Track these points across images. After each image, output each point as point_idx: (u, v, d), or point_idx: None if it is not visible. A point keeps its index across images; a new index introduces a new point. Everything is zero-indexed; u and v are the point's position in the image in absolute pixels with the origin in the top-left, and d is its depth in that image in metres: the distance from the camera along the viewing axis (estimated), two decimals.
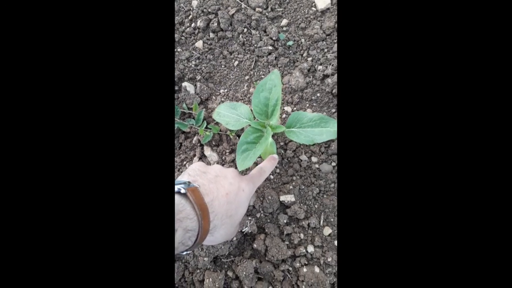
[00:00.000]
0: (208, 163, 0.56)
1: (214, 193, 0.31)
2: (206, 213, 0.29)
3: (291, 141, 0.54)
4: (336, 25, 0.58)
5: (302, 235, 0.50)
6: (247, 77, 0.61)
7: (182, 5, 0.66)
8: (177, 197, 0.27)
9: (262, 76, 0.60)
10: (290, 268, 0.48)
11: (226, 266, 0.50)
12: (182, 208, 0.27)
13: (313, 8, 0.61)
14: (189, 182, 0.30)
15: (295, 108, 0.57)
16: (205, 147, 0.57)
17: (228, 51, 0.62)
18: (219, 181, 0.33)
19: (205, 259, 0.48)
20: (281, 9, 0.62)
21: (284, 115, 0.57)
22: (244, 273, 0.47)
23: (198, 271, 0.49)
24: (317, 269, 0.47)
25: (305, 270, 0.47)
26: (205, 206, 0.29)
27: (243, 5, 0.63)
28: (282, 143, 0.56)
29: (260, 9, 0.62)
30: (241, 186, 0.34)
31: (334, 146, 0.53)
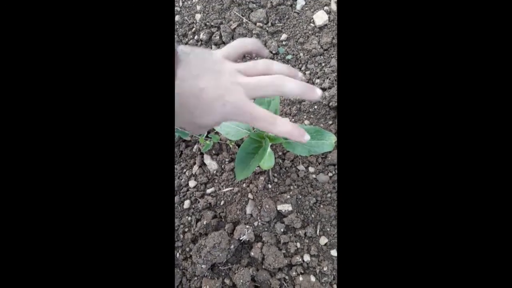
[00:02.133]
0: (208, 171, 0.58)
1: (187, 77, 0.24)
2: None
3: (289, 151, 0.56)
4: (333, 41, 0.61)
5: (298, 244, 0.51)
6: None
7: (186, 18, 0.69)
8: None
9: None
10: (287, 277, 0.49)
11: (223, 274, 0.51)
12: None
13: (312, 24, 0.63)
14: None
15: (293, 120, 0.59)
16: (205, 156, 0.58)
17: None
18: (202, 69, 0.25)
19: (203, 266, 0.49)
20: (281, 25, 0.65)
21: None
22: (241, 281, 0.47)
23: (196, 278, 0.50)
24: (313, 278, 0.48)
25: (301, 279, 0.48)
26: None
27: (245, 20, 0.65)
28: (280, 153, 0.57)
29: (260, 24, 0.65)
30: (226, 97, 0.25)
31: (331, 157, 0.55)
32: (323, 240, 0.51)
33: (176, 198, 0.56)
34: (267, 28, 0.65)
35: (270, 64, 0.29)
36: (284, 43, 0.64)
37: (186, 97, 0.24)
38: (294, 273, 0.49)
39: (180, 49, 0.25)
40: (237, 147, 0.58)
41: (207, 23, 0.66)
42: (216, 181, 0.57)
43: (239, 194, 0.55)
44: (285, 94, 0.27)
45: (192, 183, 0.57)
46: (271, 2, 0.65)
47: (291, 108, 0.59)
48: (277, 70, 0.28)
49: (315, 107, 0.59)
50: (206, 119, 0.26)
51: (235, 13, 0.65)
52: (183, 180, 0.57)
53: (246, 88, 0.26)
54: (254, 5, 0.66)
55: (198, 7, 0.68)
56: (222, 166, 0.57)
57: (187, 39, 0.67)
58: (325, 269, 0.49)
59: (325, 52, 0.61)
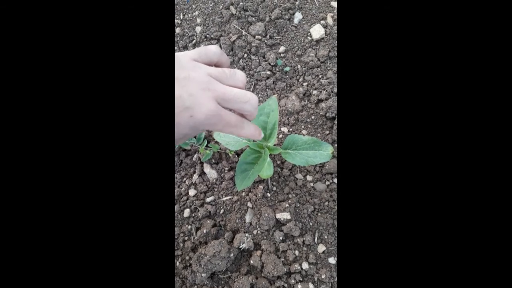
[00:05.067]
0: (208, 180, 0.58)
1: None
2: None
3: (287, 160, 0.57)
4: (329, 54, 0.63)
5: (297, 252, 0.52)
6: None
7: (186, 30, 0.71)
8: None
9: (261, 99, 0.64)
10: (285, 285, 0.50)
11: (223, 282, 0.51)
12: None
13: (309, 38, 0.66)
14: None
15: (291, 129, 0.61)
16: (204, 165, 0.59)
17: None
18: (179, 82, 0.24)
19: (203, 275, 0.49)
20: (279, 37, 0.67)
21: (281, 135, 0.60)
22: None
23: (195, 286, 0.50)
24: (311, 286, 0.49)
25: (300, 286, 0.49)
26: None
27: (244, 33, 0.67)
28: (278, 162, 0.59)
29: (259, 37, 0.67)
30: (194, 109, 0.24)
31: (328, 166, 0.56)
32: (321, 248, 0.52)
33: (176, 207, 0.57)
34: (265, 41, 0.67)
35: (243, 77, 0.28)
36: (282, 55, 0.66)
37: None
38: (293, 281, 0.49)
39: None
40: (236, 156, 0.59)
41: (207, 36, 0.68)
42: (216, 189, 0.58)
43: (238, 202, 0.56)
44: (248, 113, 0.28)
45: (192, 192, 0.57)
46: (269, 16, 0.68)
47: (289, 118, 0.61)
48: (244, 82, 0.29)
49: (312, 117, 0.61)
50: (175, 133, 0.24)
51: (234, 26, 0.68)
52: (183, 189, 0.58)
53: (221, 97, 0.25)
54: (253, 18, 0.68)
55: (199, 20, 0.70)
56: (222, 175, 0.58)
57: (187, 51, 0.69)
58: (323, 276, 0.50)
59: (322, 64, 0.63)
